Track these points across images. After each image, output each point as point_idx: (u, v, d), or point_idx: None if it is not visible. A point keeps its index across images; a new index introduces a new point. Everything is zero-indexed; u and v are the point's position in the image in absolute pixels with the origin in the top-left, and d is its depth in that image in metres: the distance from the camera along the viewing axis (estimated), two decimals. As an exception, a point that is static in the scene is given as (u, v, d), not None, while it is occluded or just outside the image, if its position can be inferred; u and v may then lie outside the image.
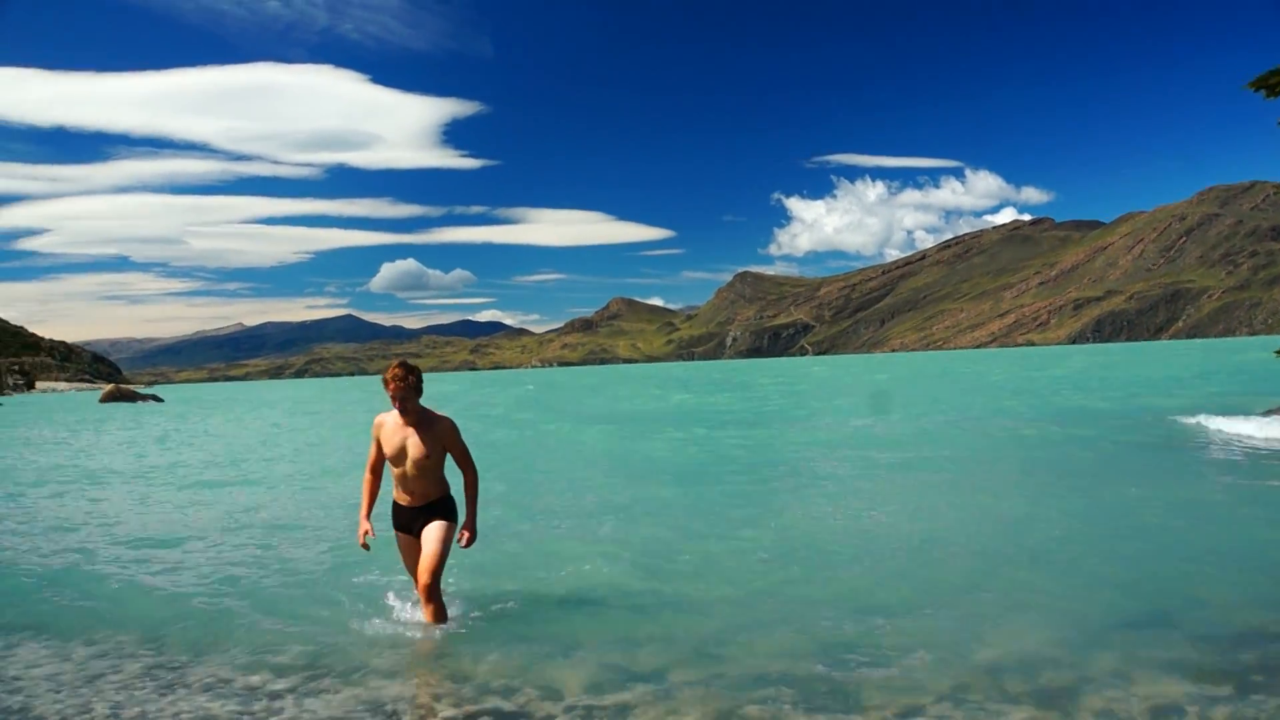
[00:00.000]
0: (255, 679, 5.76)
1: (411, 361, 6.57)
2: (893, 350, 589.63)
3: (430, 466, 6.53)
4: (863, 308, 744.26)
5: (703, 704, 5.10)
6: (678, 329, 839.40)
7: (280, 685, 5.62)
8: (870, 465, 15.63)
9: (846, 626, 6.50)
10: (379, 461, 6.74)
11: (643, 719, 4.93)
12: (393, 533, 6.84)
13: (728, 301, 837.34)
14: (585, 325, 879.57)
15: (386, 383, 6.42)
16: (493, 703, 5.25)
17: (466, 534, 6.51)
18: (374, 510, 6.79)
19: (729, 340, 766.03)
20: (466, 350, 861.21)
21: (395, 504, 6.75)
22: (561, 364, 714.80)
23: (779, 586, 7.73)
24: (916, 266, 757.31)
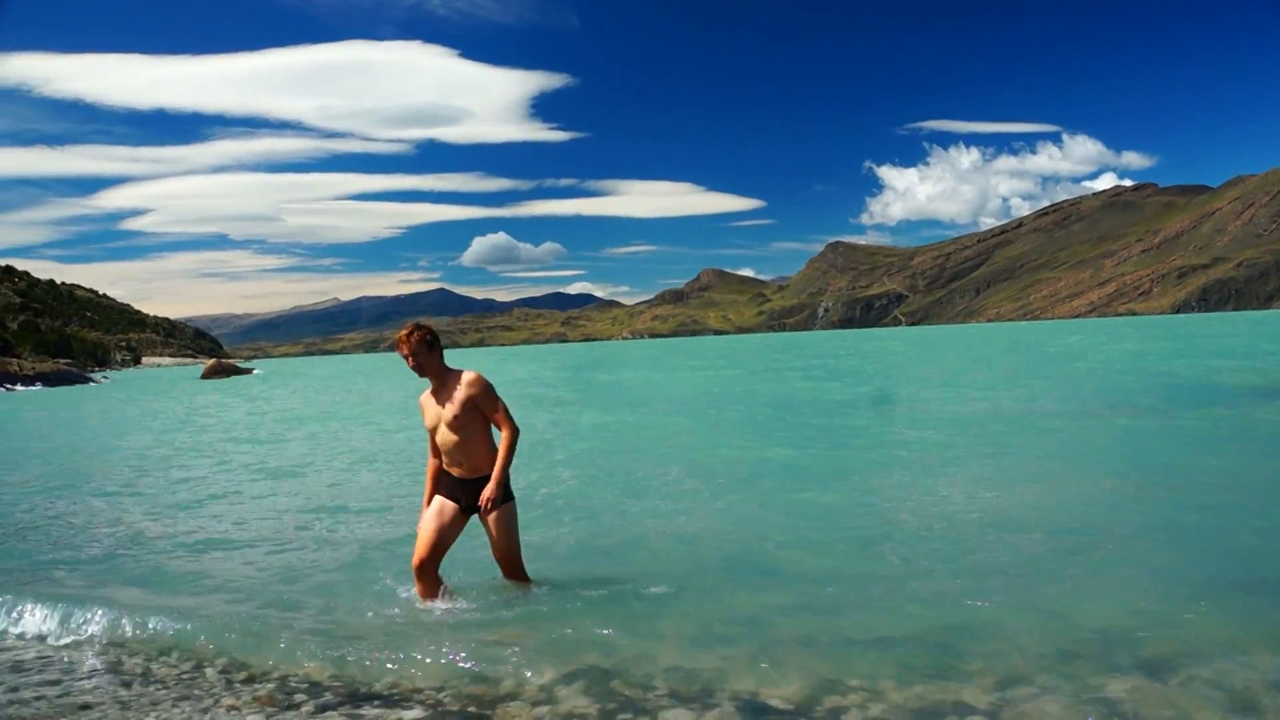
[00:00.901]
0: (340, 639, 5.89)
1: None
2: (988, 320, 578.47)
3: (465, 428, 6.10)
4: (957, 277, 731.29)
5: (800, 671, 5.07)
6: (769, 300, 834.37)
7: (367, 649, 5.74)
8: (966, 439, 15.33)
9: (943, 595, 6.40)
10: (434, 441, 6.35)
11: (740, 685, 4.92)
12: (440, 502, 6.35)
13: (819, 272, 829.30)
14: (676, 297, 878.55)
15: (397, 346, 6.14)
16: (590, 660, 5.30)
17: (486, 495, 6.09)
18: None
19: (821, 311, 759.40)
20: (558, 323, 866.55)
21: (449, 475, 6.33)
22: (653, 335, 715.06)
23: (872, 556, 7.66)
24: (1013, 235, 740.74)
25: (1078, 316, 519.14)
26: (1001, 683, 4.82)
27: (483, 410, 6.14)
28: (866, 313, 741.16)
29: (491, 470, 6.15)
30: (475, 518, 6.35)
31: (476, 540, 8.43)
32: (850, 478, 11.68)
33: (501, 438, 6.17)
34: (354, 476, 13.88)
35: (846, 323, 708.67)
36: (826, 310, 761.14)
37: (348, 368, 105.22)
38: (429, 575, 6.25)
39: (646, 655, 5.40)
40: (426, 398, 6.27)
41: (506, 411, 6.19)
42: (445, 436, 6.13)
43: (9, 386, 68.93)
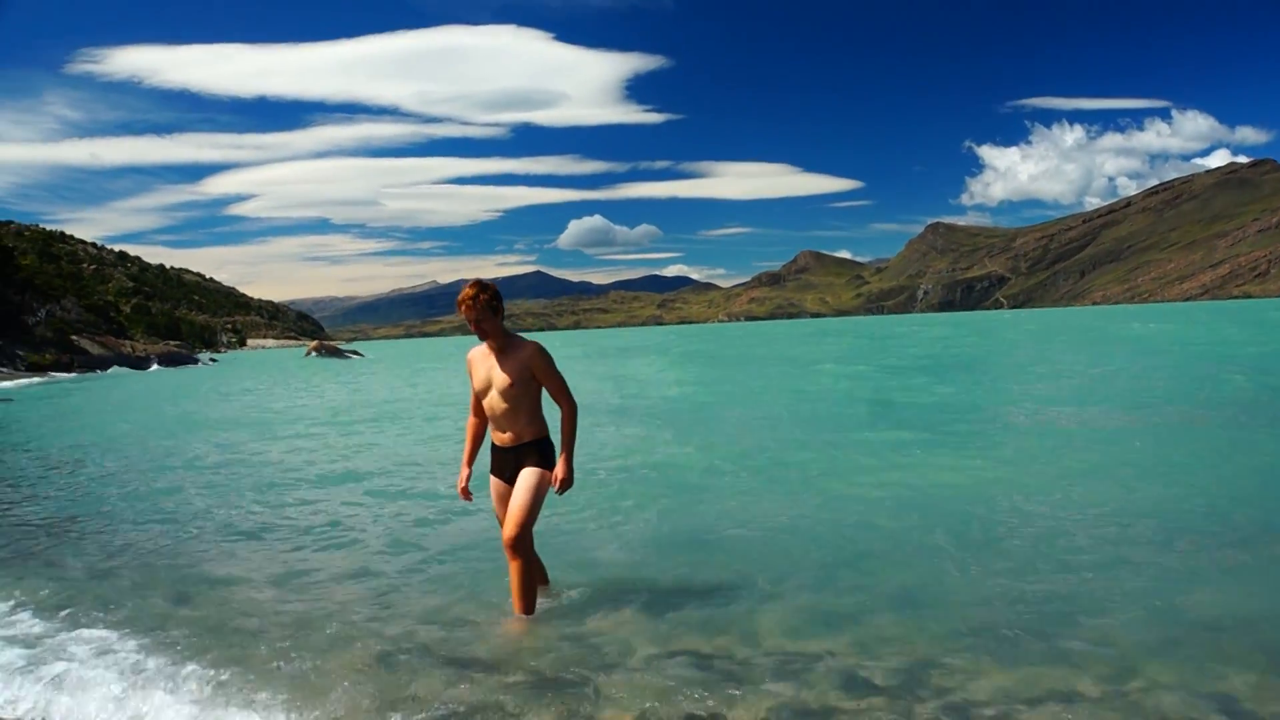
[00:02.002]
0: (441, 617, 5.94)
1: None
2: (1094, 303, 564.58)
3: (519, 398, 5.81)
4: (1061, 259, 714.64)
5: (901, 652, 5.02)
6: (867, 282, 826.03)
7: (471, 616, 5.85)
8: (1070, 422, 14.97)
9: (1048, 579, 6.28)
10: (478, 401, 6.08)
11: (841, 665, 4.87)
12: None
13: (919, 254, 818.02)
14: (772, 279, 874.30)
15: (459, 306, 5.81)
16: (691, 643, 5.29)
17: (559, 476, 5.80)
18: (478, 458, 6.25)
19: (920, 293, 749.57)
20: (653, 305, 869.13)
21: (492, 445, 6.08)
22: (749, 318, 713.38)
23: (975, 537, 7.52)
24: (1120, 214, 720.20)
25: (1189, 299, 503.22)
26: (1111, 673, 4.69)
27: (540, 382, 5.88)
28: (967, 295, 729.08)
29: (532, 438, 5.89)
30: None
31: (577, 532, 8.50)
32: (954, 465, 11.49)
33: (562, 415, 5.88)
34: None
35: (946, 305, 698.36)
36: (926, 293, 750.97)
37: (450, 349, 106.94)
38: (523, 551, 5.86)
39: (747, 635, 5.39)
40: (479, 356, 5.97)
41: (566, 386, 5.91)
42: (496, 402, 5.84)
43: (136, 368, 71.70)
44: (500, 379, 5.80)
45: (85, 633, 5.80)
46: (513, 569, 5.80)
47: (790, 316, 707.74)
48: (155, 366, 76.40)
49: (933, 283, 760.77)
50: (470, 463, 6.21)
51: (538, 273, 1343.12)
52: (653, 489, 10.24)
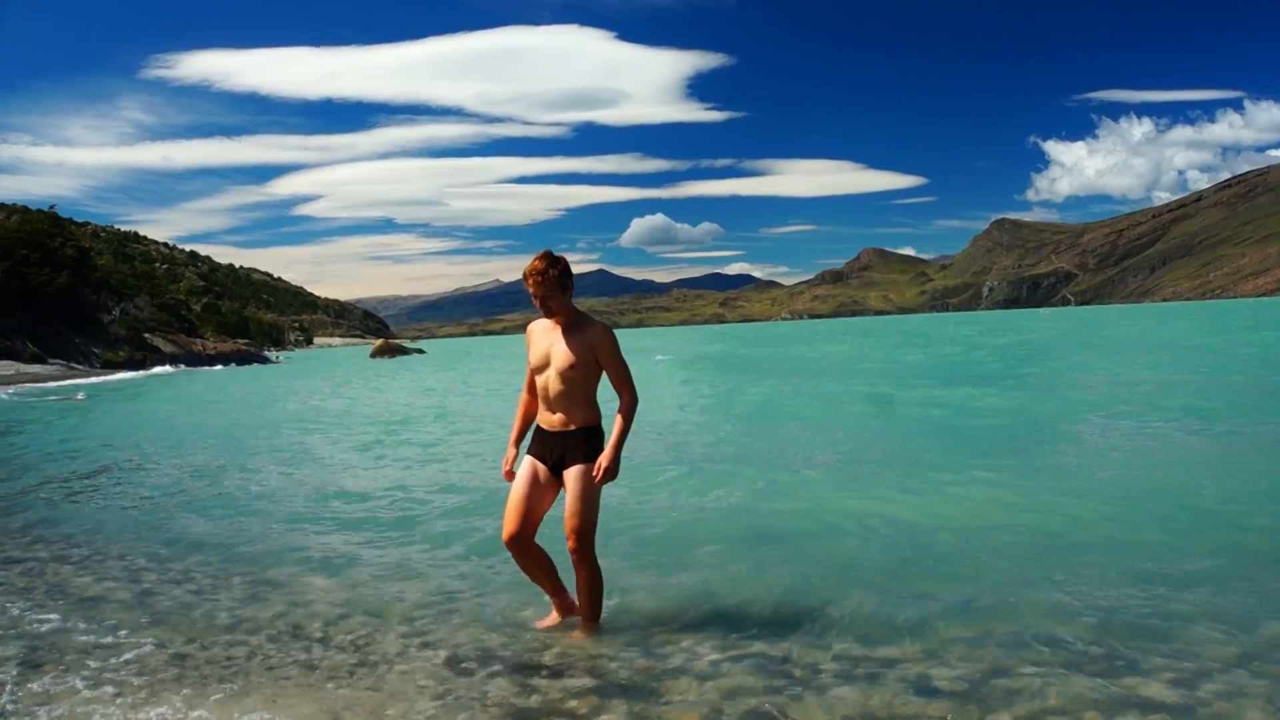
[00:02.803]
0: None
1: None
2: (1164, 300, 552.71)
3: (577, 380, 5.47)
4: (1130, 254, 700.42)
5: (970, 658, 4.99)
6: (931, 279, 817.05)
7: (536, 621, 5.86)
8: (1143, 425, 14.71)
9: (1121, 591, 6.17)
10: (533, 380, 5.74)
11: (909, 671, 4.86)
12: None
13: (984, 250, 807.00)
14: (835, 277, 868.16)
15: (525, 279, 5.47)
16: (757, 647, 5.30)
17: (603, 465, 5.41)
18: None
19: (985, 290, 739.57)
20: (716, 303, 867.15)
21: (537, 427, 5.73)
22: (812, 316, 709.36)
23: (1045, 546, 7.41)
24: (1191, 209, 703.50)
25: (1265, 295, 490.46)
26: (1187, 681, 4.61)
27: (603, 366, 5.54)
28: (1033, 292, 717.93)
29: (582, 424, 5.53)
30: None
31: (640, 534, 8.55)
32: (1025, 468, 11.35)
33: (621, 403, 5.52)
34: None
35: (1012, 302, 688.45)
36: (991, 289, 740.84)
37: (512, 348, 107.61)
38: (523, 548, 5.61)
39: (813, 639, 5.39)
40: (540, 330, 5.66)
41: (628, 375, 5.57)
42: (552, 380, 5.49)
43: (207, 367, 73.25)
44: (561, 357, 5.47)
45: (152, 632, 5.97)
46: (579, 577, 5.56)
47: (854, 314, 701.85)
48: (225, 365, 78.04)
49: (998, 279, 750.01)
50: (518, 442, 5.84)
51: (601, 271, 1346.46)
52: (714, 494, 10.24)
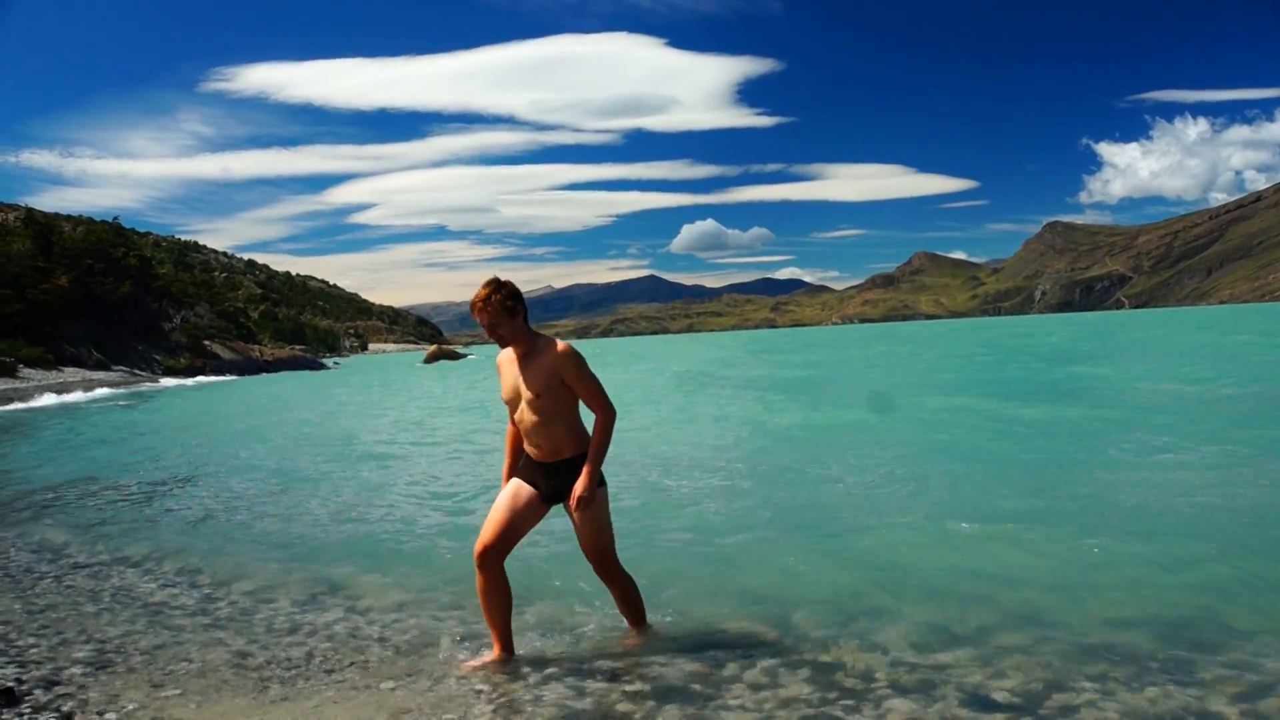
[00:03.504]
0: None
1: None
2: (1221, 302, 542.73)
3: (550, 408, 5.16)
4: (1186, 256, 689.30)
5: (1027, 670, 4.95)
6: (983, 283, 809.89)
7: (592, 627, 5.93)
8: (1205, 430, 14.48)
9: (1180, 600, 6.08)
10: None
11: (967, 680, 4.84)
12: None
13: (1036, 253, 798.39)
14: (886, 281, 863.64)
15: (472, 310, 5.18)
16: (811, 655, 5.30)
17: (577, 492, 5.13)
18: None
19: (1037, 294, 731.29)
20: (767, 308, 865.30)
21: (526, 455, 5.43)
22: (863, 320, 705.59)
23: (1104, 554, 7.29)
24: (1250, 209, 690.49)
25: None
26: (1251, 694, 4.55)
27: (572, 388, 5.21)
28: (1086, 295, 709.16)
29: (572, 454, 5.26)
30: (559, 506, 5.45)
31: (690, 541, 8.58)
32: (1086, 475, 11.21)
33: (594, 422, 5.25)
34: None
35: (1065, 306, 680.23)
36: (1044, 293, 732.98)
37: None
38: (491, 565, 5.28)
39: (867, 647, 5.38)
40: (506, 361, 5.35)
41: (600, 390, 5.25)
42: (525, 415, 5.21)
43: (263, 371, 74.54)
44: (528, 390, 5.18)
45: (213, 635, 6.08)
46: (615, 595, 5.62)
47: (905, 318, 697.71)
48: (282, 370, 79.30)
49: (1050, 283, 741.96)
50: (510, 477, 5.53)
51: (651, 276, 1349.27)
52: (764, 499, 10.26)
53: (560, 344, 5.22)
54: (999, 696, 4.62)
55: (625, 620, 5.74)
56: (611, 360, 58.52)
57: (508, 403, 5.34)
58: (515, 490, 5.33)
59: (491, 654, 5.38)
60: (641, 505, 9.76)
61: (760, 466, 12.48)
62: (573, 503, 5.14)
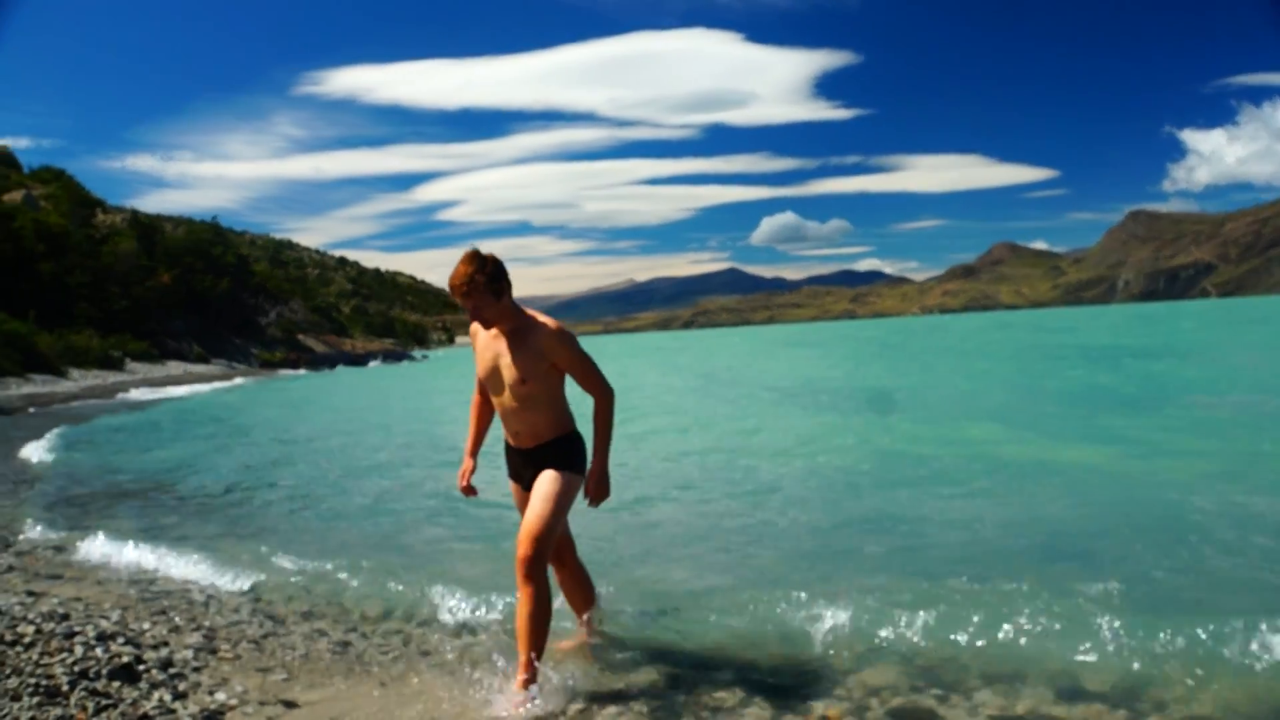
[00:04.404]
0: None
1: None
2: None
3: (536, 395, 4.71)
4: (1276, 244, 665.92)
5: (1118, 661, 4.90)
6: (1064, 273, 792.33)
7: (679, 613, 5.99)
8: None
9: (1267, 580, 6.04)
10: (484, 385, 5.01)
11: (1055, 668, 4.82)
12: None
13: (1119, 242, 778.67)
14: (967, 272, 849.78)
15: (451, 290, 4.62)
16: (901, 643, 5.32)
17: (591, 484, 4.80)
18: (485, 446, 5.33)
19: (1120, 284, 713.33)
20: (846, 300, 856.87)
21: (506, 443, 5.02)
22: (943, 311, 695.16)
23: (1194, 540, 7.17)
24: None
25: None
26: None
27: (563, 369, 4.79)
28: (1171, 285, 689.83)
29: (552, 437, 4.82)
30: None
31: (773, 525, 8.63)
32: (1173, 454, 10.98)
33: (595, 407, 4.83)
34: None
35: (1149, 295, 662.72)
36: (1127, 283, 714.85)
37: (639, 344, 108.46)
38: (569, 563, 5.20)
39: (957, 632, 5.37)
40: (486, 335, 4.85)
41: (596, 371, 4.81)
42: (505, 399, 4.77)
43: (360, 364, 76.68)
44: (510, 372, 4.71)
45: (314, 623, 6.32)
46: (522, 597, 4.58)
47: (985, 309, 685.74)
48: (373, 363, 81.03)
49: (1134, 272, 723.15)
50: (475, 452, 5.20)
51: (732, 269, 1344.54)
52: (845, 487, 10.30)
53: (550, 323, 4.74)
54: (1091, 685, 4.61)
55: (518, 644, 4.64)
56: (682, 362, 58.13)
57: (483, 382, 4.90)
58: (520, 501, 4.97)
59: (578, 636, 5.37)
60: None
61: (849, 451, 12.52)
62: (588, 496, 4.81)
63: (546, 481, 4.71)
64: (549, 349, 4.68)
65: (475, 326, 4.84)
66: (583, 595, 5.30)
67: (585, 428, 4.95)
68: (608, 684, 4.79)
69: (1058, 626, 5.44)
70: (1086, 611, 5.70)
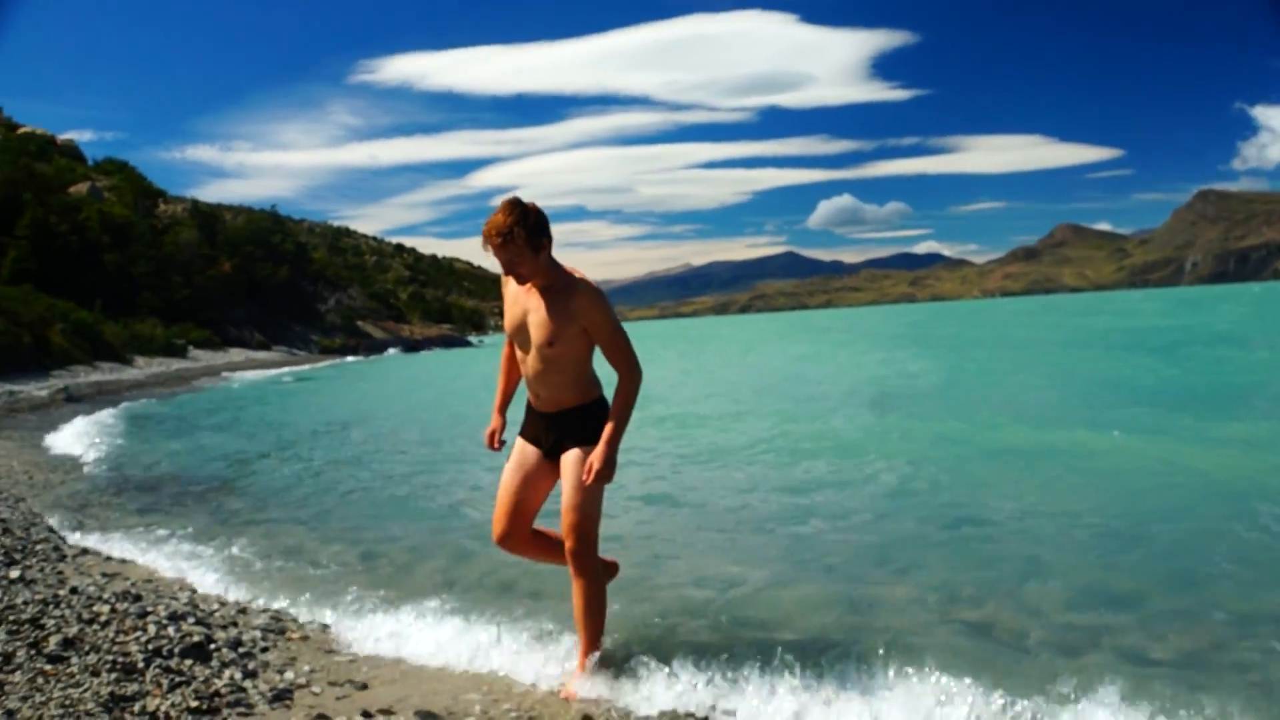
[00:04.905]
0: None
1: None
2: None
3: (563, 357, 4.42)
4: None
5: (1184, 635, 4.84)
6: (1129, 255, 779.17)
7: (748, 585, 5.98)
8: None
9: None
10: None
11: (1122, 641, 4.77)
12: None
13: (1186, 223, 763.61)
14: (1028, 254, 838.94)
15: (485, 241, 4.33)
16: (963, 614, 5.30)
17: (594, 464, 4.36)
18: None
19: (1188, 265, 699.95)
20: (905, 283, 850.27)
21: (528, 402, 4.72)
22: (1004, 294, 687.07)
23: (1268, 522, 7.01)
24: None
25: None
26: None
27: (593, 337, 4.47)
28: (1241, 266, 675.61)
29: (574, 404, 4.54)
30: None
31: (841, 499, 8.57)
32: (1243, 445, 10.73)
33: (619, 384, 4.49)
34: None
35: (1218, 277, 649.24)
36: (1195, 264, 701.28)
37: (696, 331, 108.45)
38: (520, 545, 4.75)
39: (1022, 606, 5.35)
40: (512, 294, 4.58)
41: (627, 346, 4.49)
42: (532, 359, 4.48)
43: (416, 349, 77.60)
44: (539, 331, 4.41)
45: (375, 590, 6.36)
46: (575, 587, 4.49)
47: (1047, 292, 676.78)
48: (430, 349, 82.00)
49: (1202, 253, 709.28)
50: (503, 409, 4.90)
51: (789, 253, 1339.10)
52: (910, 461, 10.22)
53: (588, 283, 4.42)
54: (1159, 657, 4.57)
55: (577, 631, 4.60)
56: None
57: (510, 334, 4.60)
58: (520, 459, 4.68)
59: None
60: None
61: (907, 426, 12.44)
62: (587, 475, 4.36)
63: (574, 466, 4.45)
64: (581, 309, 4.36)
65: (504, 280, 4.60)
66: (553, 547, 4.74)
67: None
68: (666, 663, 4.78)
69: (1120, 596, 5.39)
70: (1151, 586, 5.64)
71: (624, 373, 4.47)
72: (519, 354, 4.57)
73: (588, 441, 4.45)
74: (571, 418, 4.51)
